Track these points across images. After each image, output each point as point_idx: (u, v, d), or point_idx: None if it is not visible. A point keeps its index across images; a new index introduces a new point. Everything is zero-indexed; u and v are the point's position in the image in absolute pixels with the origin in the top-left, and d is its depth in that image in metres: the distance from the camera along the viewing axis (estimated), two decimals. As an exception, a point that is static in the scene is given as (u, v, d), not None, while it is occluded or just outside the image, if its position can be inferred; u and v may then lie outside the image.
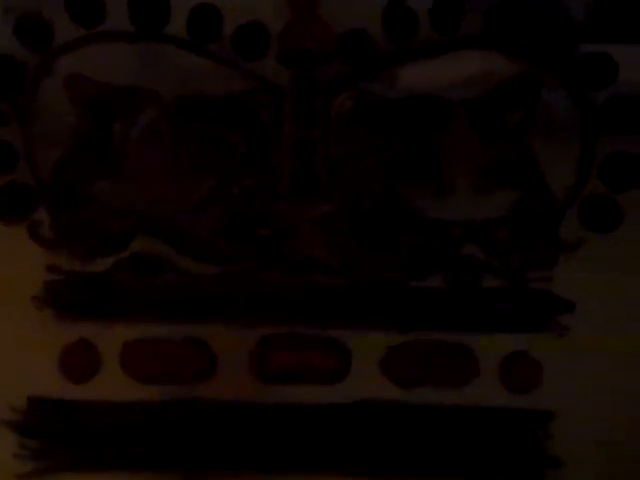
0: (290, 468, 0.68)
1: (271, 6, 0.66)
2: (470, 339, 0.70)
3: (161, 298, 0.69)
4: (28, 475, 0.67)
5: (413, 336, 0.69)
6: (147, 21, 0.65)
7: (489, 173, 0.68)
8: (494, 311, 0.70)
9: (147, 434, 0.69)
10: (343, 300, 0.69)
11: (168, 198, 0.70)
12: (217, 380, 0.69)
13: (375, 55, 0.66)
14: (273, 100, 0.67)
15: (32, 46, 0.67)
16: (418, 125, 0.66)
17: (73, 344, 0.69)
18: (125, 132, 0.71)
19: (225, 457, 0.68)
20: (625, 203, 0.69)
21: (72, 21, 0.66)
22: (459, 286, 0.70)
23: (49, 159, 0.70)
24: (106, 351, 0.69)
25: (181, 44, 0.66)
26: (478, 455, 0.68)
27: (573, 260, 0.70)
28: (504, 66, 0.66)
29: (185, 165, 0.70)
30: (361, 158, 0.70)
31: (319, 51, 0.65)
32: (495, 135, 0.67)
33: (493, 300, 0.70)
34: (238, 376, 0.69)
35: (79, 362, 0.69)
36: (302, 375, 0.69)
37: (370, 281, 0.69)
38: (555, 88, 0.66)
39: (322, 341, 0.69)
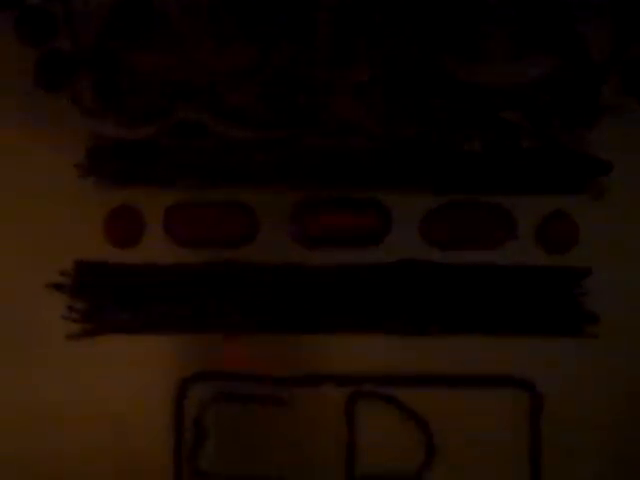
0: (332, 328, 0.70)
1: None
2: (508, 200, 0.71)
3: (203, 163, 0.71)
4: (77, 336, 0.70)
5: (452, 198, 0.71)
6: None
7: (524, 38, 0.69)
8: (532, 172, 0.71)
9: (190, 296, 0.70)
10: (382, 163, 0.70)
11: (208, 66, 0.71)
12: (259, 244, 0.71)
13: None
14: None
15: None
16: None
17: (117, 209, 0.70)
18: (165, 1, 0.72)
19: (267, 319, 0.70)
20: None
21: None
22: (497, 149, 0.71)
23: (91, 28, 0.71)
24: (149, 216, 0.71)
25: None
26: (517, 313, 0.70)
27: (612, 124, 0.71)
28: None
29: (225, 34, 0.71)
30: (399, 24, 0.71)
31: None
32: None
33: (531, 162, 0.71)
34: (279, 240, 0.71)
35: (123, 227, 0.70)
36: (342, 238, 0.71)
37: (408, 144, 0.71)
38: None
39: (362, 203, 0.71)
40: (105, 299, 0.70)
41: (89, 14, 0.71)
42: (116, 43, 0.71)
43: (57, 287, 0.70)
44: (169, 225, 0.71)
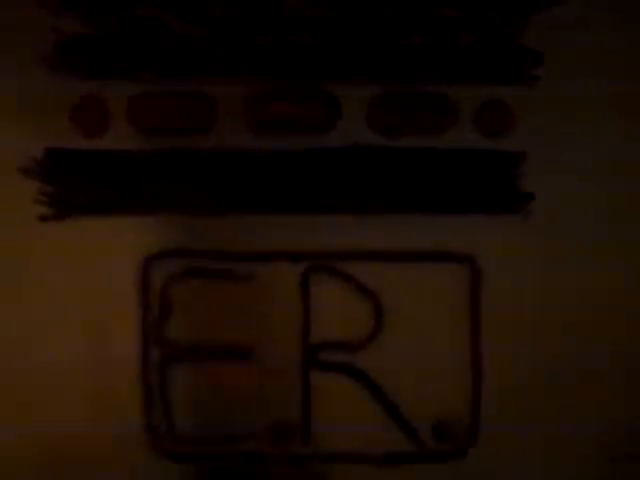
0: (286, 209, 0.75)
1: None
2: (448, 89, 0.76)
3: (163, 57, 0.75)
4: (49, 218, 0.74)
5: (395, 88, 0.75)
6: None
7: None
8: (470, 63, 0.76)
9: (153, 181, 0.75)
10: (331, 56, 0.75)
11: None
12: (216, 132, 0.75)
13: None
14: None
15: None
16: None
17: (83, 100, 0.75)
18: None
19: (226, 201, 0.75)
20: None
21: None
22: (436, 42, 0.76)
23: None
24: (114, 106, 0.75)
25: None
26: (457, 193, 0.75)
27: (544, 18, 0.76)
28: None
29: None
30: None
31: None
32: None
33: (468, 53, 0.76)
34: (235, 128, 0.75)
35: (90, 116, 0.75)
36: (293, 125, 0.75)
37: (354, 39, 0.75)
38: None
39: (312, 93, 0.75)
40: (74, 184, 0.75)
41: None
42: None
43: (27, 172, 0.75)
44: (133, 114, 0.75)
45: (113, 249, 0.75)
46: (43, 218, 0.75)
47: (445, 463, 0.74)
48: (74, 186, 0.75)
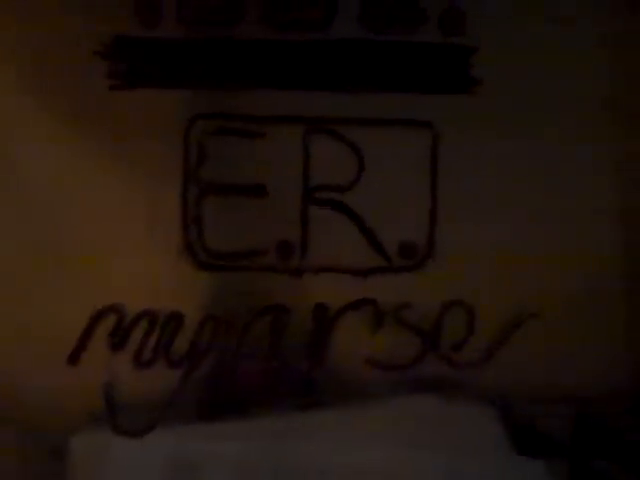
0: (295, 87, 0.99)
1: None
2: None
3: None
4: (119, 87, 0.98)
5: None
6: None
7: None
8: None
9: (195, 63, 0.99)
10: None
11: None
12: (244, 26, 0.99)
13: None
14: None
15: None
16: None
17: (143, -1, 0.99)
18: None
19: (249, 79, 0.99)
20: None
21: None
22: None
23: None
24: (166, 3, 0.99)
25: None
26: (420, 77, 0.99)
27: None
28: None
29: None
30: None
31: None
32: None
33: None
34: (259, 24, 0.99)
35: (148, 11, 0.99)
36: (303, 22, 0.99)
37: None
38: None
39: None
40: (140, 62, 0.99)
41: None
42: None
43: (99, 53, 0.99)
44: (181, 10, 0.99)
45: (163, 114, 0.99)
46: (113, 87, 0.99)
47: (409, 273, 0.99)
48: (135, 65, 1.00)
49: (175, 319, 0.98)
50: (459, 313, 0.98)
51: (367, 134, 1.01)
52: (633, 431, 1.02)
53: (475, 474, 0.99)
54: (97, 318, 0.97)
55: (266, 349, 0.98)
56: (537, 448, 1.00)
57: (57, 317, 0.98)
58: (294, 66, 1.02)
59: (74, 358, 0.97)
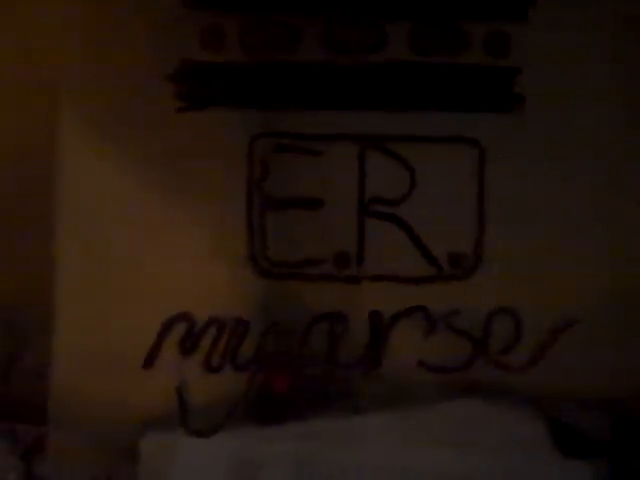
0: (349, 107, 1.05)
1: None
2: (465, 26, 1.05)
3: None
4: (185, 109, 1.05)
5: (428, 22, 1.05)
6: None
7: None
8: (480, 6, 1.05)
9: (255, 86, 1.05)
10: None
11: None
12: (301, 50, 1.06)
13: None
14: None
15: None
16: None
17: (208, 25, 1.05)
18: None
19: (307, 100, 1.05)
20: None
21: None
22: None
23: None
24: (228, 31, 1.06)
25: None
26: (470, 96, 1.05)
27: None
28: None
29: None
30: None
31: None
32: None
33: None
34: (315, 48, 1.06)
35: (212, 37, 1.06)
36: (355, 45, 1.05)
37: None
38: None
39: (367, 22, 1.06)
40: (205, 85, 1.06)
41: None
42: None
43: (170, 76, 1.05)
44: (242, 37, 1.06)
45: (227, 131, 1.06)
46: (180, 109, 1.06)
47: (458, 281, 1.05)
48: (201, 87, 1.07)
49: (241, 325, 1.05)
50: (506, 319, 1.05)
51: (418, 151, 1.07)
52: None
53: (521, 475, 1.04)
54: (169, 326, 1.04)
55: (324, 354, 1.05)
56: (580, 449, 1.06)
57: (133, 326, 1.05)
58: (349, 87, 1.08)
59: (149, 363, 1.04)
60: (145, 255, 1.06)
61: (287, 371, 1.04)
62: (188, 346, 1.04)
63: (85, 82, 1.10)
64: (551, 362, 1.05)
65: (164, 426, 1.05)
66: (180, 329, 1.04)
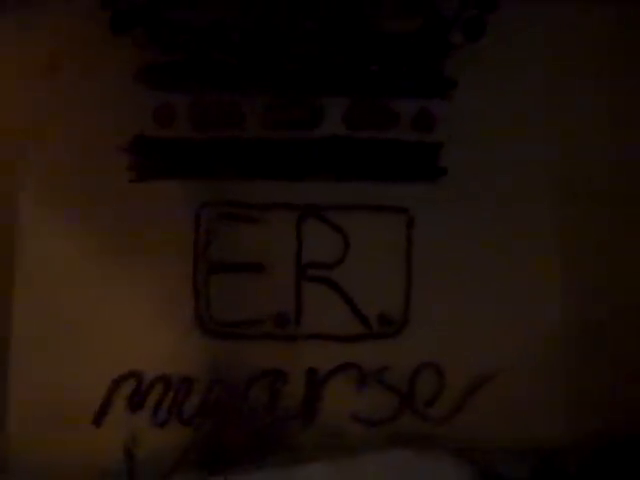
0: (287, 177, 1.14)
1: None
2: (392, 103, 1.15)
3: (208, 75, 1.14)
4: (136, 180, 1.13)
5: (362, 99, 1.14)
6: None
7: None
8: (407, 85, 1.15)
9: (200, 158, 1.14)
10: (319, 77, 1.14)
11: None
12: (243, 127, 1.14)
13: None
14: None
15: None
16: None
17: (159, 105, 1.14)
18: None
19: (246, 171, 1.14)
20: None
21: None
22: (388, 70, 1.14)
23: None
24: (179, 108, 1.14)
25: None
26: (396, 168, 1.14)
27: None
28: None
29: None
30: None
31: None
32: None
33: (405, 78, 1.15)
34: (256, 125, 1.15)
35: (163, 114, 1.14)
36: (292, 123, 1.14)
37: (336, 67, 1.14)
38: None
39: (304, 101, 1.15)
40: (152, 159, 1.14)
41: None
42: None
43: (123, 149, 1.14)
44: (191, 114, 1.14)
45: (176, 200, 1.14)
46: (132, 180, 1.15)
47: (388, 339, 1.13)
48: (152, 160, 1.15)
49: (186, 382, 1.12)
50: (430, 374, 1.13)
51: (351, 218, 1.16)
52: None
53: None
54: (118, 383, 1.12)
55: (265, 408, 1.13)
56: (505, 497, 1.14)
57: (84, 382, 1.12)
58: (288, 160, 1.17)
59: (98, 420, 1.11)
60: (96, 316, 1.13)
61: (231, 424, 1.12)
62: (136, 402, 1.11)
63: (43, 155, 1.18)
64: (472, 413, 1.13)
65: (116, 479, 1.12)
66: (129, 386, 1.12)
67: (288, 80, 1.17)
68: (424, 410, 1.12)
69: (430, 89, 1.17)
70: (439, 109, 1.17)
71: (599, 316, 1.18)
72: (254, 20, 1.17)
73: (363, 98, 1.17)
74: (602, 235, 1.19)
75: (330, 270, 1.15)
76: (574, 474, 1.15)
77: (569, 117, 1.20)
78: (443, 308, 1.15)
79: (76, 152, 1.17)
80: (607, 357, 1.17)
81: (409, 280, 1.15)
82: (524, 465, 1.15)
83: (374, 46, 1.18)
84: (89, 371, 1.14)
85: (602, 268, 1.18)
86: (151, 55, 1.17)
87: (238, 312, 1.15)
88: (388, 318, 1.16)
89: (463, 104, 1.17)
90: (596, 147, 1.19)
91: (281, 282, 1.15)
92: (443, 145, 1.16)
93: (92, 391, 1.12)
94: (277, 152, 1.17)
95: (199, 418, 1.11)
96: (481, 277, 1.16)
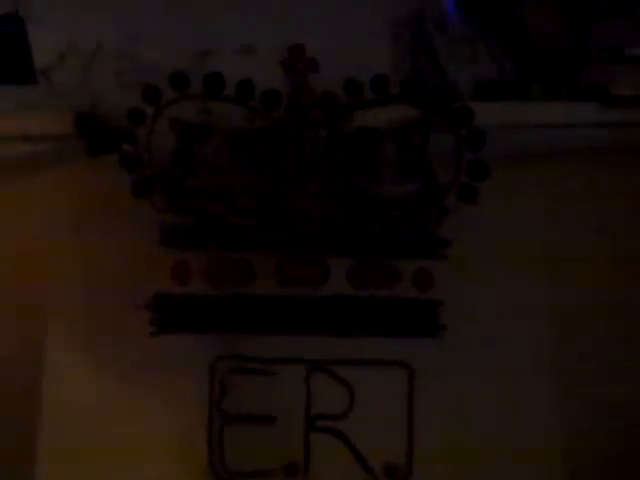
0: (297, 332, 1.22)
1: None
2: (395, 263, 1.22)
3: (223, 236, 1.22)
4: (156, 333, 1.22)
5: (365, 259, 1.22)
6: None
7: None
8: (407, 247, 1.23)
9: (215, 314, 1.22)
10: (326, 240, 1.22)
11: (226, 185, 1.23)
12: (254, 285, 1.23)
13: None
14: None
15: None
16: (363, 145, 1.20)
17: (176, 262, 1.22)
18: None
19: (257, 326, 1.22)
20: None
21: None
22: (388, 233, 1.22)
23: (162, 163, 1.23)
24: (194, 266, 1.23)
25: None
26: (400, 323, 1.22)
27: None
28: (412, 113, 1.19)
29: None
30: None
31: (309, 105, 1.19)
32: (407, 150, 1.20)
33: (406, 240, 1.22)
34: (266, 282, 1.23)
35: (180, 272, 1.22)
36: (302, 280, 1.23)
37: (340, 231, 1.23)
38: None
39: (313, 261, 1.23)
40: (175, 312, 1.23)
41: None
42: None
43: (144, 307, 1.22)
44: (206, 271, 1.23)
45: (192, 353, 1.23)
46: (152, 333, 1.23)
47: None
48: (172, 315, 1.23)
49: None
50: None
51: (357, 372, 1.24)
52: None
53: None
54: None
55: None
56: None
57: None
58: (297, 317, 1.25)
59: None
60: (117, 458, 1.21)
61: None
62: None
63: (69, 305, 1.27)
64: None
65: None
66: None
67: (295, 241, 1.26)
68: None
69: (428, 249, 1.25)
70: (438, 268, 1.25)
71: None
72: (262, 185, 1.26)
73: (366, 258, 1.25)
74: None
75: (337, 421, 1.23)
76: None
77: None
78: (446, 455, 1.23)
79: (98, 305, 1.27)
80: None
81: (411, 431, 1.23)
82: None
83: (375, 209, 1.26)
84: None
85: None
86: (169, 218, 1.26)
87: (250, 462, 1.23)
88: (393, 467, 1.23)
89: (460, 263, 1.25)
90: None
91: (291, 433, 1.24)
92: (443, 303, 1.24)
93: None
94: (287, 309, 1.25)
95: None
96: (481, 430, 1.24)
